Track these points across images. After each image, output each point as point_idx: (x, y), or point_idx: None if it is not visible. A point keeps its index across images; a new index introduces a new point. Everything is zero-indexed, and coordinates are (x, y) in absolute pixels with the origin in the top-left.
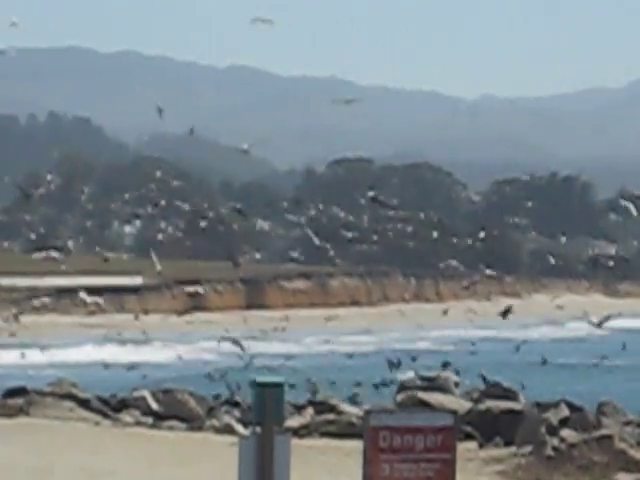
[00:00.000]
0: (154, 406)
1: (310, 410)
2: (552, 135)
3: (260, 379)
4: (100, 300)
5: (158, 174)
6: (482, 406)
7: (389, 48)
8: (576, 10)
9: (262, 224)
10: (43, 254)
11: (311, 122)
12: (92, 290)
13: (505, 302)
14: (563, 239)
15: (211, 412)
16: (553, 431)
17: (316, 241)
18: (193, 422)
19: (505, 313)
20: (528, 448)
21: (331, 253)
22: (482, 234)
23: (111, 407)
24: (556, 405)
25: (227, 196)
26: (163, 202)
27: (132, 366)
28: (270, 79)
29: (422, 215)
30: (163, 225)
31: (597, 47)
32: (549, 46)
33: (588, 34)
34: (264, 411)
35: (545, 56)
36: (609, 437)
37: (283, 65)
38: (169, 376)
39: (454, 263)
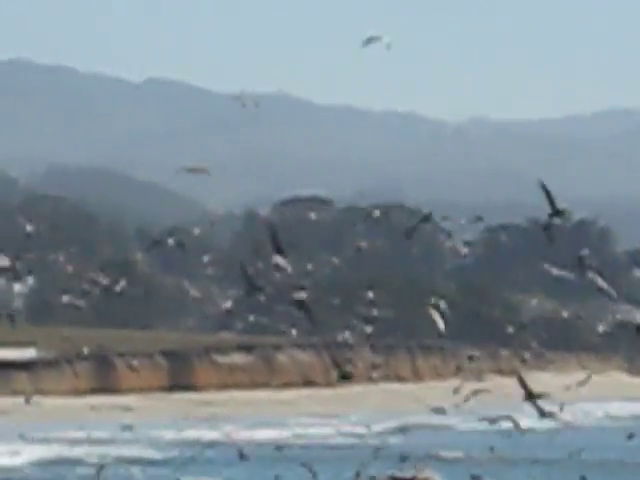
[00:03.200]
0: None
1: None
2: (559, 167)
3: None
4: None
5: (55, 217)
6: None
7: (354, 60)
8: (587, 20)
9: (190, 283)
10: None
11: (254, 151)
12: None
13: (501, 383)
14: (575, 302)
15: None
16: None
17: (260, 305)
18: None
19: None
20: None
21: (279, 320)
22: (470, 296)
23: None
24: None
25: (145, 246)
26: (62, 254)
27: None
28: (201, 97)
29: (395, 272)
30: (63, 283)
31: (614, 64)
32: (554, 60)
33: (604, 47)
34: None
35: (548, 72)
36: None
37: (217, 80)
38: None
39: (436, 333)
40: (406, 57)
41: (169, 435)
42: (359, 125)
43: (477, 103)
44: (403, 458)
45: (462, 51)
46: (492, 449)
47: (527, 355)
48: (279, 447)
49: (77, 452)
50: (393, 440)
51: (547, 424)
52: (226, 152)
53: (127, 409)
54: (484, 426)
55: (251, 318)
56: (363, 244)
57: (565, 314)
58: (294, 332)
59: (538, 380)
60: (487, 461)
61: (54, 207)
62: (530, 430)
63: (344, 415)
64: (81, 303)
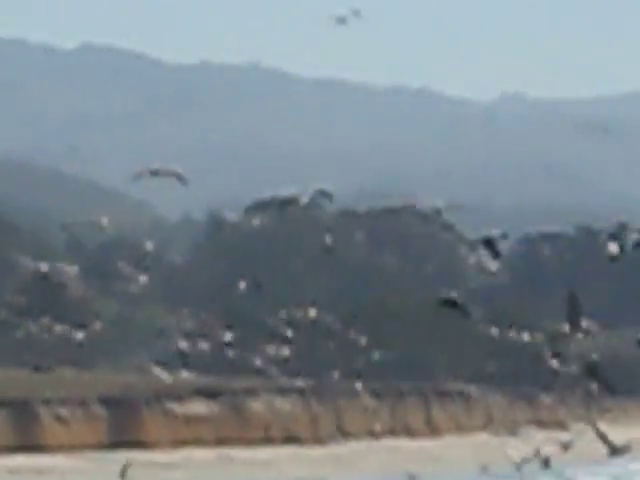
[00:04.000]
0: None
1: None
2: (616, 160)
3: None
4: None
5: None
6: None
7: (349, 24)
8: None
9: (137, 309)
10: None
11: (219, 138)
12: None
13: (541, 437)
14: (635, 335)
15: None
16: None
17: (228, 337)
18: None
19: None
20: None
21: (252, 357)
22: (501, 326)
23: None
24: None
25: (79, 261)
26: None
27: None
28: (151, 70)
29: (404, 296)
30: None
31: None
32: (608, 26)
33: None
34: None
35: (601, 40)
36: None
37: (172, 49)
38: None
39: (457, 376)
40: (418, 20)
41: None
42: (358, 105)
43: (510, 77)
44: None
45: (491, 12)
46: None
47: (575, 402)
48: None
49: None
50: None
51: None
52: (183, 140)
53: (54, 472)
54: None
55: (217, 355)
56: (362, 258)
57: (625, 349)
58: (273, 372)
59: (589, 433)
60: None
61: None
62: None
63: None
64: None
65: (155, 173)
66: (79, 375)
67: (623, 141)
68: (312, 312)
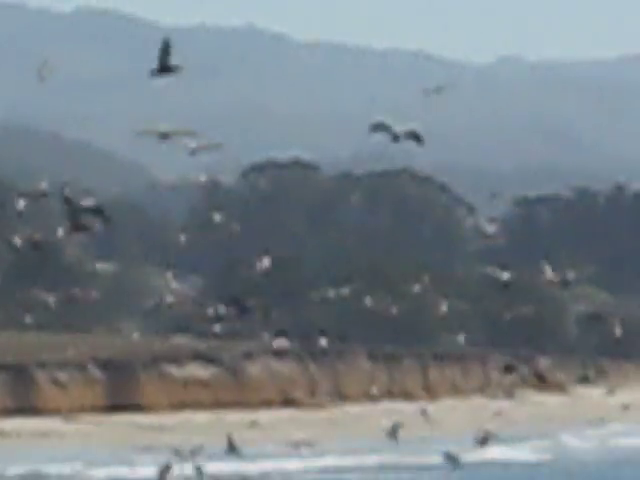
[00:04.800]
0: None
1: None
2: (613, 122)
3: None
4: None
5: None
6: None
7: None
8: None
9: (134, 273)
10: None
11: (214, 101)
12: None
13: (538, 400)
14: (635, 297)
15: None
16: None
17: (223, 301)
18: None
19: (484, 441)
20: None
21: (249, 320)
22: (498, 288)
23: None
24: None
25: (74, 224)
26: None
27: None
28: (146, 32)
29: (400, 259)
30: None
31: None
32: None
33: None
34: None
35: (594, 8)
36: None
37: (166, 10)
38: None
39: (453, 337)
40: None
41: (106, 471)
42: (352, 68)
43: (507, 39)
44: None
45: None
46: None
47: (574, 364)
48: None
49: None
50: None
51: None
52: (178, 103)
53: (51, 436)
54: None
55: (214, 318)
56: (359, 222)
57: (624, 311)
58: (270, 335)
59: (587, 396)
60: None
61: None
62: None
63: (335, 443)
64: None
65: (164, 137)
66: (76, 338)
67: (622, 103)
68: (309, 274)
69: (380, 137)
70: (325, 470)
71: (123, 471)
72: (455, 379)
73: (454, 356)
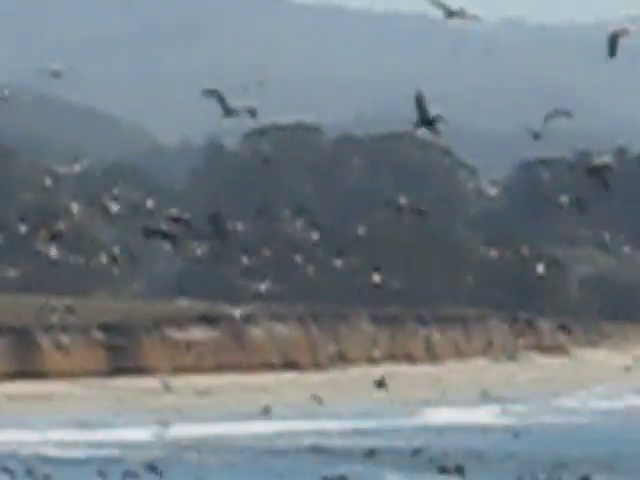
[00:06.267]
0: None
1: None
2: (617, 85)
3: None
4: None
5: None
6: None
7: None
8: None
9: (137, 234)
10: None
11: (216, 64)
12: None
13: (542, 362)
14: (637, 259)
15: None
16: None
17: (228, 263)
18: None
19: (380, 385)
20: None
21: (251, 282)
22: (502, 251)
23: None
24: None
25: (80, 186)
26: None
27: None
28: None
29: (403, 219)
30: None
31: None
32: None
33: None
34: None
35: None
36: None
37: None
38: None
39: (456, 300)
40: None
41: (107, 434)
42: (353, 30)
43: (510, 2)
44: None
45: None
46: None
47: (576, 327)
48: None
49: None
50: (400, 441)
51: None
52: (180, 66)
53: (54, 398)
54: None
55: (216, 281)
56: (360, 182)
57: (625, 273)
58: (271, 298)
59: (590, 358)
60: None
61: None
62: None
63: (336, 406)
64: None
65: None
66: (79, 302)
67: (623, 65)
68: (314, 235)
69: (382, 99)
70: (324, 433)
71: (125, 433)
72: (458, 342)
73: (456, 318)
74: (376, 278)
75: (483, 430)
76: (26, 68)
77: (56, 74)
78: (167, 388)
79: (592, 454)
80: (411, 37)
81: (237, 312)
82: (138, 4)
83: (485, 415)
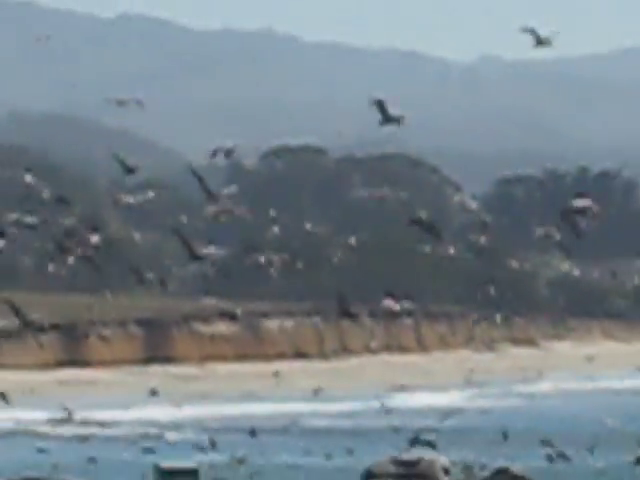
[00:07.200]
0: None
1: None
2: (580, 112)
3: (167, 465)
4: None
5: (16, 169)
6: None
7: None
8: None
9: (168, 243)
10: None
11: (235, 94)
12: None
13: (515, 353)
14: (597, 263)
15: None
16: None
17: (245, 268)
18: None
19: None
20: None
21: (267, 284)
22: (481, 257)
23: None
24: None
25: (116, 202)
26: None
27: None
28: (179, 35)
29: (395, 229)
30: (23, 244)
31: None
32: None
33: None
34: None
35: (565, 6)
36: None
37: (197, 16)
38: None
39: (443, 299)
40: None
41: (139, 413)
42: (355, 65)
43: (487, 41)
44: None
45: None
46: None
47: (545, 322)
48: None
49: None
50: (396, 420)
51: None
52: (206, 96)
53: (97, 384)
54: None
55: (237, 282)
56: (359, 198)
57: (588, 276)
58: (283, 297)
59: (557, 349)
60: None
61: (15, 158)
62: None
63: (339, 390)
64: (47, 266)
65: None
66: (119, 300)
67: (587, 96)
68: (320, 242)
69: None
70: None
71: (159, 412)
72: (444, 334)
73: (443, 314)
74: (373, 279)
75: (460, 411)
76: (69, 99)
77: (120, 103)
78: (154, 393)
79: (556, 430)
80: (403, 70)
81: (254, 309)
82: (167, 45)
83: (463, 398)
